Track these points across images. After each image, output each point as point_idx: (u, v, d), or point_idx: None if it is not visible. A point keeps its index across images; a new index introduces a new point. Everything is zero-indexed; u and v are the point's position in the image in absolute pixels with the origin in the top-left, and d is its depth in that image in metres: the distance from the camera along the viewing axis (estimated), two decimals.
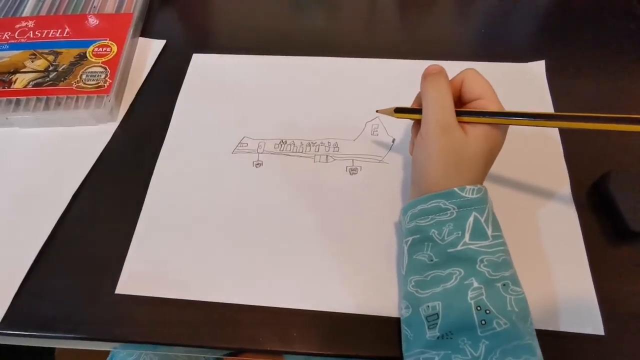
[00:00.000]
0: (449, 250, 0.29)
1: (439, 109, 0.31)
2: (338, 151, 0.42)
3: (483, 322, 0.27)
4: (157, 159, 0.43)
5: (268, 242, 0.38)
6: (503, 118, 0.31)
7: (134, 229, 0.39)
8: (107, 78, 0.45)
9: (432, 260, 0.30)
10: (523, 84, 0.45)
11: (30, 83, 0.45)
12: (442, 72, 0.32)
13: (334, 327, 0.34)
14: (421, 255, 0.30)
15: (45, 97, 0.45)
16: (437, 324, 0.28)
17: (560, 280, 0.34)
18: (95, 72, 0.46)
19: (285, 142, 0.43)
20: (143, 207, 0.40)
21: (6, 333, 0.35)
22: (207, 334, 0.34)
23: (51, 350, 0.73)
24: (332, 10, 0.54)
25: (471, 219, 0.29)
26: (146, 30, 0.52)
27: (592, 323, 0.32)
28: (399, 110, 0.36)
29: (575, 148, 0.41)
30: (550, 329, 0.32)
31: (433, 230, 0.30)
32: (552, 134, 0.42)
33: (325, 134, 0.43)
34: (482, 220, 0.29)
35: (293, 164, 0.42)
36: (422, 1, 0.54)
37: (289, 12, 0.54)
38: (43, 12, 0.52)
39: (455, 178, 0.30)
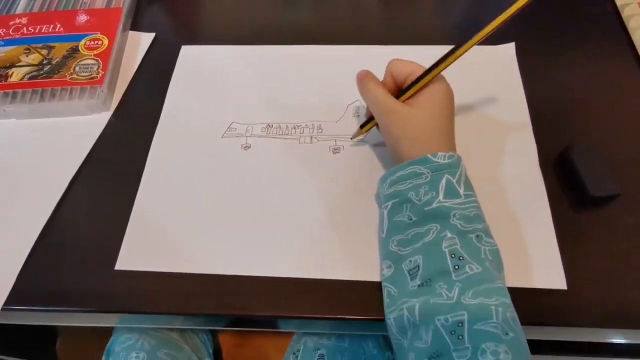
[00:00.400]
0: (425, 209, 0.32)
1: (377, 102, 0.37)
2: (322, 132, 0.45)
3: (456, 267, 0.30)
4: (150, 145, 0.45)
5: (258, 218, 0.40)
6: (425, 76, 0.35)
7: (130, 212, 0.41)
8: (99, 70, 0.48)
9: (411, 220, 0.33)
10: (494, 66, 0.48)
11: (26, 76, 0.47)
12: (366, 75, 0.38)
13: (321, 294, 0.36)
14: (401, 216, 0.34)
15: (40, 89, 0.47)
16: (417, 274, 0.31)
17: (527, 241, 0.37)
18: (88, 64, 0.48)
19: (272, 125, 0.46)
20: (139, 190, 0.42)
21: (10, 308, 0.37)
22: (198, 303, 0.37)
23: (53, 340, 0.75)
24: (317, 1, 0.56)
25: (444, 181, 0.32)
26: (136, 24, 0.55)
27: (556, 278, 0.35)
28: (363, 125, 0.41)
29: (543, 121, 0.43)
30: (517, 285, 0.35)
31: (411, 192, 0.33)
32: (521, 108, 0.45)
33: (309, 116, 0.46)
34: (454, 181, 0.33)
35: (279, 146, 0.44)
36: None
37: (275, 4, 0.56)
38: (35, 9, 0.54)
39: (425, 145, 0.34)
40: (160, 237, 0.40)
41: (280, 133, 0.45)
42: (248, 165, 0.43)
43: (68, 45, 0.50)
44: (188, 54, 0.52)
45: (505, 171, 0.41)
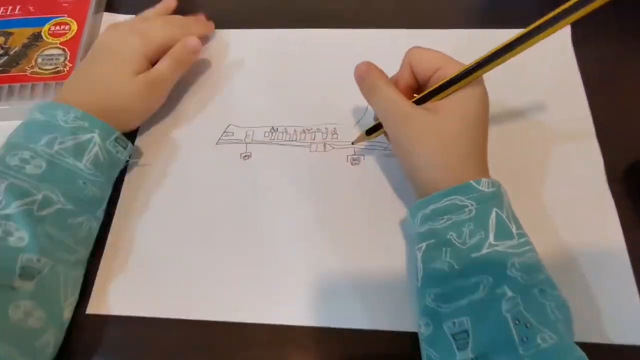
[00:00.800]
0: (472, 255, 0.25)
1: (387, 106, 0.29)
2: (337, 138, 0.37)
3: (525, 338, 0.22)
4: (129, 153, 0.37)
5: (259, 250, 0.33)
6: (466, 77, 0.27)
7: (105, 242, 0.34)
8: (66, 62, 0.39)
9: (453, 269, 0.25)
10: (544, 56, 0.39)
11: None
12: (370, 69, 0.30)
13: (339, 344, 0.29)
14: (439, 263, 0.26)
15: None
16: (467, 343, 0.24)
17: (598, 284, 0.30)
18: (53, 54, 0.40)
19: (277, 129, 0.38)
20: (114, 215, 0.35)
21: None
22: (181, 353, 0.30)
23: None
24: None
25: (493, 216, 0.25)
26: (112, 4, 0.46)
27: (636, 332, 0.28)
28: (370, 131, 0.33)
29: (607, 126, 0.36)
30: (588, 340, 0.28)
31: (451, 232, 0.26)
32: (581, 110, 0.37)
33: (323, 119, 0.38)
34: (504, 216, 0.25)
35: (286, 155, 0.36)
36: None
37: None
38: None
39: (459, 169, 0.27)
40: (138, 277, 0.32)
41: (288, 139, 0.37)
42: (247, 179, 0.36)
43: (29, 31, 0.41)
44: None
45: (564, 192, 0.33)
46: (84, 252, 0.31)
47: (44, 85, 0.39)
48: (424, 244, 0.27)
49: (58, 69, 0.39)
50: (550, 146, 0.35)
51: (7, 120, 0.39)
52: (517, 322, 0.23)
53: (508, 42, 0.26)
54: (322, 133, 0.37)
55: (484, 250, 0.25)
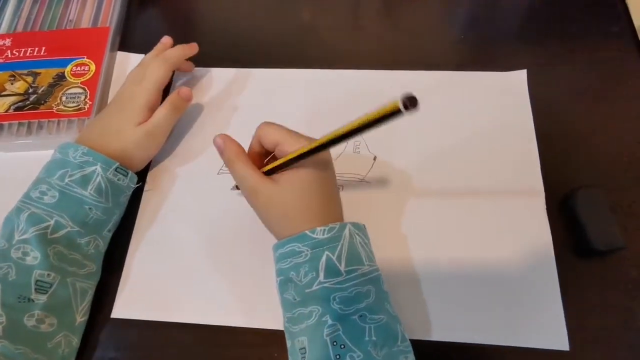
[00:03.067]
0: (306, 291, 0.31)
1: (240, 180, 0.35)
2: None
3: (337, 356, 0.29)
4: (144, 179, 0.44)
5: (253, 265, 0.39)
6: (296, 161, 0.32)
7: (125, 256, 0.40)
8: (86, 100, 0.45)
9: (295, 300, 0.31)
10: (503, 94, 0.45)
11: (12, 107, 0.45)
12: (225, 147, 0.35)
13: None
14: (287, 294, 0.32)
15: (27, 121, 0.45)
16: (305, 357, 0.30)
17: (530, 296, 0.36)
18: (75, 93, 0.46)
19: None
20: (133, 233, 0.41)
21: None
22: (193, 355, 0.37)
23: None
24: (315, 16, 0.53)
25: (324, 259, 0.31)
26: (124, 43, 0.52)
27: (557, 338, 0.35)
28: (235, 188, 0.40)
29: (551, 159, 0.42)
30: (516, 345, 0.34)
31: (292, 272, 0.32)
32: (530, 142, 0.43)
33: None
34: (334, 258, 0.31)
35: None
36: (404, 6, 0.53)
37: (272, 23, 0.53)
38: (19, 28, 0.51)
39: (297, 222, 0.32)
40: (156, 286, 0.39)
41: None
42: (242, 205, 0.41)
43: (54, 71, 0.47)
44: (181, 77, 0.49)
45: (508, 213, 0.40)
46: (93, 266, 0.38)
47: (68, 121, 0.45)
48: (278, 279, 0.33)
49: (80, 106, 0.45)
50: (499, 169, 0.41)
51: (36, 150, 0.46)
52: (334, 343, 0.29)
53: (336, 134, 0.28)
54: None
55: (315, 287, 0.30)
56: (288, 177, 0.33)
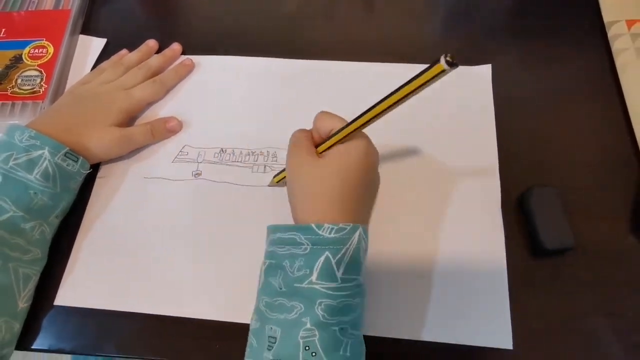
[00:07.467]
0: (295, 285, 0.30)
1: (292, 152, 0.34)
2: (276, 161, 0.42)
3: None
4: (98, 166, 0.43)
5: (202, 256, 0.38)
6: (341, 130, 0.32)
7: (73, 244, 0.39)
8: (42, 83, 0.44)
9: (280, 288, 0.30)
10: (466, 88, 0.45)
11: None
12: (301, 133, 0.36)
13: None
14: (273, 280, 0.31)
15: None
16: (273, 347, 0.29)
17: (478, 294, 0.36)
18: (31, 76, 0.45)
19: (225, 150, 0.43)
20: (82, 220, 0.40)
21: None
22: (137, 344, 0.36)
23: None
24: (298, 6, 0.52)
25: (322, 259, 0.29)
26: (87, 27, 0.51)
27: (502, 337, 0.34)
28: (277, 176, 0.39)
29: (511, 156, 0.41)
30: (462, 342, 0.34)
31: (286, 261, 0.30)
32: (490, 138, 0.42)
33: (266, 142, 0.43)
34: (334, 261, 0.29)
35: (231, 174, 0.42)
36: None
37: (242, 6, 0.52)
38: None
39: (316, 208, 0.31)
40: (100, 274, 0.38)
41: (234, 160, 0.43)
42: (196, 194, 0.41)
43: (11, 53, 0.46)
44: None
45: (463, 209, 0.39)
46: (38, 252, 0.37)
47: (22, 104, 0.44)
48: (267, 261, 0.32)
49: (35, 89, 0.44)
50: (456, 165, 0.41)
51: None
52: (307, 348, 0.28)
53: (384, 106, 0.29)
54: (264, 156, 0.43)
55: (304, 284, 0.29)
56: (331, 156, 0.33)
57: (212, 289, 0.37)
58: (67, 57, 0.47)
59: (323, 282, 0.29)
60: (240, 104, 0.45)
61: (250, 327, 0.32)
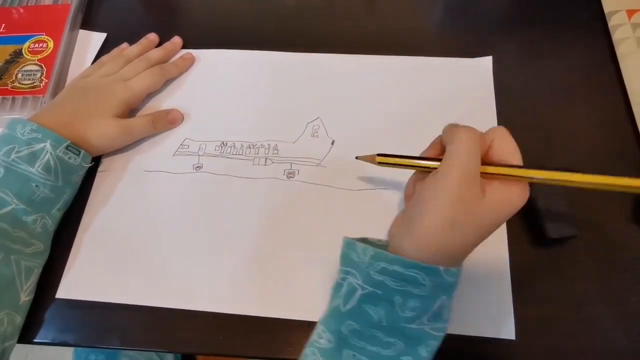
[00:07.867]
0: (402, 324, 0.28)
1: (467, 155, 0.27)
2: (277, 154, 0.42)
3: None
4: (98, 162, 0.43)
5: (203, 251, 0.38)
6: (528, 171, 0.28)
7: (74, 237, 0.39)
8: (42, 77, 0.44)
9: (380, 322, 0.28)
10: (467, 80, 0.45)
11: None
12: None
13: (259, 331, 0.35)
14: (372, 310, 0.28)
15: None
16: None
17: (480, 285, 0.36)
18: (31, 70, 0.45)
19: (226, 144, 0.43)
20: (84, 213, 0.40)
21: None
22: (140, 337, 0.36)
23: None
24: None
25: (439, 304, 0.28)
26: (87, 21, 0.51)
27: (504, 327, 0.34)
28: (382, 156, 0.33)
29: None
30: (465, 333, 0.34)
31: (397, 296, 0.28)
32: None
33: (266, 135, 0.43)
34: (447, 305, 0.28)
35: (232, 167, 0.42)
36: None
37: (242, 0, 0.52)
38: None
39: (447, 243, 0.27)
40: (102, 267, 0.38)
41: (235, 153, 0.43)
42: (196, 187, 0.41)
43: (11, 48, 0.46)
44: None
45: None
46: (40, 244, 0.37)
47: (22, 98, 0.44)
48: (370, 289, 0.28)
49: (35, 84, 0.44)
50: None
51: None
52: None
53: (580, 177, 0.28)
54: (265, 148, 0.43)
55: (414, 325, 0.28)
56: (496, 198, 0.27)
57: (213, 281, 0.37)
58: (67, 51, 0.47)
59: (433, 324, 0.28)
60: (241, 97, 0.45)
61: (318, 344, 0.29)
